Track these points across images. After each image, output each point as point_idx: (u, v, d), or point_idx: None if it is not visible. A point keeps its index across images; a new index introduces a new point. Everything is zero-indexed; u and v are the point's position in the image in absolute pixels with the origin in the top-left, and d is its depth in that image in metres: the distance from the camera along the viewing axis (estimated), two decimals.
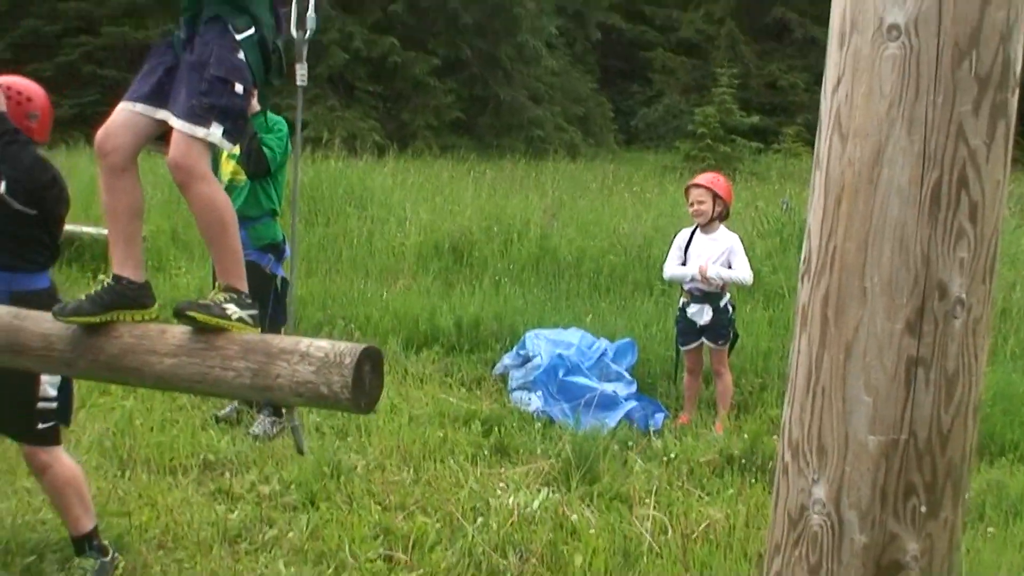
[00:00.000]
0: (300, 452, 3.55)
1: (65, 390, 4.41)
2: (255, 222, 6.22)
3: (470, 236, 10.91)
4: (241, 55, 3.18)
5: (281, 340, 2.94)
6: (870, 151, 1.95)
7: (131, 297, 3.24)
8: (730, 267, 6.82)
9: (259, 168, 6.18)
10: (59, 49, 22.72)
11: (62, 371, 3.33)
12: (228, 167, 6.30)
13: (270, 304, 6.18)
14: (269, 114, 6.29)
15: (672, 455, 5.89)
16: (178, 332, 3.04)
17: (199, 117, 3.07)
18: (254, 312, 3.21)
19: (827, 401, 2.05)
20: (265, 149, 6.14)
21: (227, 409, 6.50)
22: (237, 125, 3.19)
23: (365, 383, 2.80)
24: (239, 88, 3.15)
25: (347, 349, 2.81)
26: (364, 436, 6.06)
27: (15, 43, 22.69)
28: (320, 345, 2.84)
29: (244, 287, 3.24)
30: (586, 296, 9.53)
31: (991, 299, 2.09)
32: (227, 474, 5.45)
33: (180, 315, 3.02)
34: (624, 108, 34.59)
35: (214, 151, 6.17)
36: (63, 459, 4.39)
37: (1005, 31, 1.94)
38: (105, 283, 3.26)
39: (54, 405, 4.35)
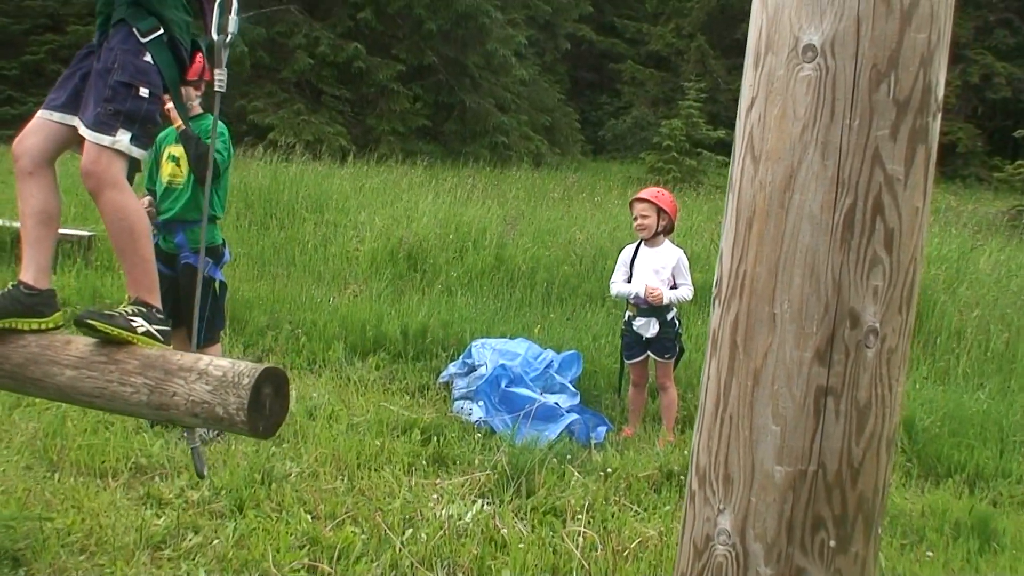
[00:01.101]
0: (200, 476, 3.44)
1: None
2: (194, 225, 6.11)
3: (425, 244, 10.84)
4: (148, 57, 3.14)
5: (182, 357, 2.85)
6: (782, 175, 1.90)
7: (27, 305, 3.18)
8: (674, 282, 6.81)
9: (214, 172, 6.06)
10: (25, 47, 22.50)
11: None
12: (167, 170, 6.20)
13: (207, 308, 6.08)
14: (208, 117, 6.20)
15: (611, 469, 5.82)
16: (82, 344, 2.96)
17: (105, 125, 3.05)
18: (164, 328, 3.13)
19: (734, 429, 2.00)
20: (218, 154, 6.04)
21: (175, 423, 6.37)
22: (146, 130, 3.15)
23: (265, 406, 2.70)
24: (144, 92, 3.12)
25: (246, 369, 2.72)
26: (300, 443, 5.96)
27: None
28: (220, 364, 2.76)
29: (156, 301, 3.18)
30: (538, 306, 9.48)
31: (909, 329, 2.03)
32: (157, 479, 5.34)
33: (80, 324, 2.96)
34: (592, 119, 34.70)
35: (154, 153, 6.11)
36: None
37: (926, 54, 1.90)
38: (7, 288, 3.21)
39: None
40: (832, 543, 1.98)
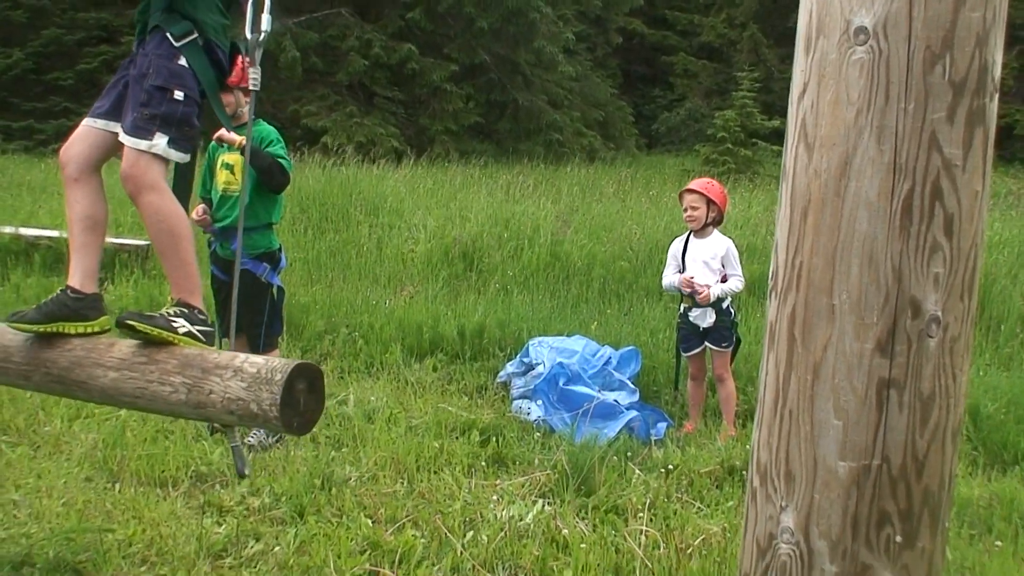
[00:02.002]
0: (241, 476, 3.45)
1: None
2: (251, 232, 6.14)
3: (480, 243, 10.82)
4: (182, 61, 3.17)
5: (219, 355, 2.89)
6: (837, 162, 1.85)
7: (72, 308, 3.24)
8: (725, 273, 6.79)
9: (282, 181, 6.11)
10: (80, 58, 22.78)
11: (20, 383, 3.29)
12: (222, 177, 6.25)
13: (266, 313, 6.12)
14: (263, 123, 6.25)
15: (672, 466, 5.77)
16: (125, 346, 2.99)
17: (142, 129, 3.09)
18: (206, 328, 3.15)
19: (795, 424, 1.95)
20: (282, 161, 6.08)
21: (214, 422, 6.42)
22: (183, 132, 3.18)
23: (299, 402, 2.71)
24: (179, 95, 3.15)
25: (279, 366, 2.74)
26: (359, 446, 5.96)
27: (37, 52, 22.78)
28: (255, 361, 2.79)
29: (198, 302, 3.21)
30: (594, 303, 9.42)
31: (971, 316, 1.97)
32: (218, 486, 5.37)
33: (121, 325, 3.01)
34: (646, 112, 34.50)
35: (208, 161, 6.16)
36: None
37: (982, 33, 1.83)
38: (56, 293, 3.28)
39: None
40: (898, 538, 1.93)
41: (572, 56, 29.01)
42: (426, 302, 9.19)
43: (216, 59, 3.31)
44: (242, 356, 2.82)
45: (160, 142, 3.11)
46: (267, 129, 6.24)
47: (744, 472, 5.66)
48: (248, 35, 3.00)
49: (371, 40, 23.30)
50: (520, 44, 25.25)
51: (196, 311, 3.18)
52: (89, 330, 3.25)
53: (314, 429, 6.01)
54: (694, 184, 6.94)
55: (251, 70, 3.06)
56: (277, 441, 6.04)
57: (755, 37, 32.09)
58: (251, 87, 3.09)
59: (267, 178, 6.02)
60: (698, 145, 24.88)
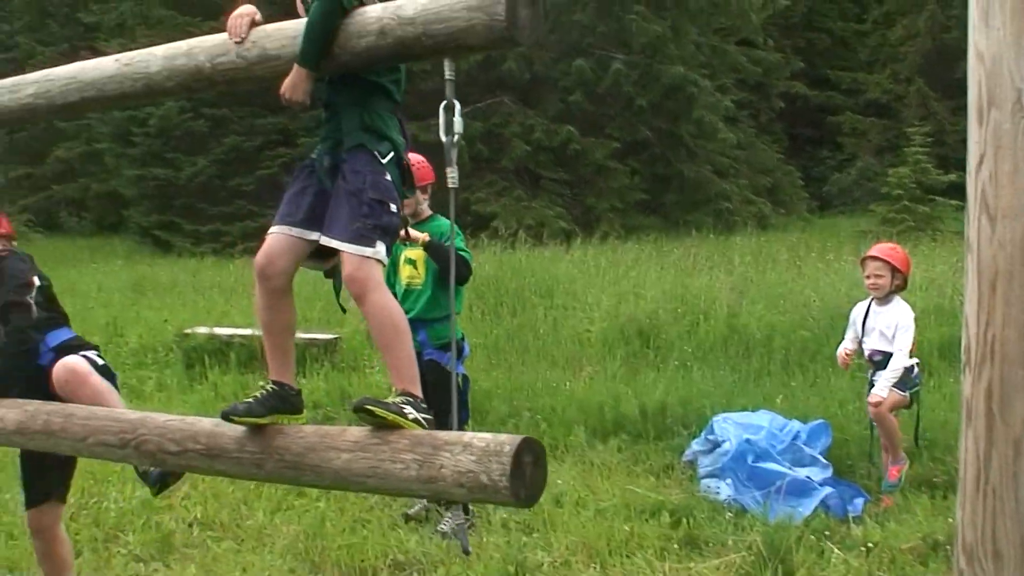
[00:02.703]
0: (465, 552, 3.55)
1: None
2: (435, 323, 6.31)
3: (655, 319, 10.80)
4: (388, 176, 3.39)
5: (447, 434, 3.03)
6: (1021, 232, 1.82)
7: (291, 403, 3.48)
8: (894, 339, 6.66)
9: (464, 273, 6.30)
10: (259, 163, 23.88)
11: (251, 473, 3.50)
12: (405, 272, 6.47)
13: (453, 402, 6.24)
14: (440, 218, 6.46)
15: (872, 543, 5.58)
16: (357, 431, 3.18)
17: (365, 238, 3.27)
18: (429, 416, 3.30)
19: (999, 502, 1.90)
20: (463, 253, 6.27)
21: (416, 507, 6.56)
22: (393, 239, 3.40)
23: (525, 474, 2.83)
24: (393, 207, 3.37)
25: (507, 439, 2.87)
26: (549, 531, 5.99)
27: (219, 159, 24.00)
28: (482, 436, 2.92)
29: (419, 391, 3.35)
30: (777, 375, 9.26)
31: None
32: (415, 574, 5.47)
33: (359, 410, 3.16)
34: (815, 175, 33.97)
35: (392, 257, 6.40)
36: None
37: None
38: (269, 388, 3.47)
39: None
40: None
41: (735, 124, 28.91)
42: (606, 381, 9.20)
43: (404, 171, 3.53)
44: (470, 434, 2.97)
45: (380, 249, 3.30)
46: (446, 223, 6.44)
47: (948, 547, 5.44)
48: (443, 138, 3.18)
49: (533, 125, 23.74)
50: (680, 117, 25.34)
51: (419, 400, 3.32)
52: (300, 421, 3.50)
53: (503, 515, 6.11)
54: (876, 251, 6.82)
55: (449, 170, 3.24)
56: (469, 527, 6.12)
57: (922, 91, 31.33)
58: (450, 185, 3.28)
59: (445, 262, 6.22)
60: (873, 205, 24.29)
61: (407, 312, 6.31)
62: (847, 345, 6.97)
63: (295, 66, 3.30)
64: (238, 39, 3.47)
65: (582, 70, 23.55)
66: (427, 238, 6.23)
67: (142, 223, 25.52)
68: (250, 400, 3.44)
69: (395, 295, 6.46)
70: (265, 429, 3.39)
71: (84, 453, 4.07)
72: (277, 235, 3.46)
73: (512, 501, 2.82)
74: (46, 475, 4.83)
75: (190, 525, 6.38)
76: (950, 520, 5.70)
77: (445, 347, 6.34)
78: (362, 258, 3.27)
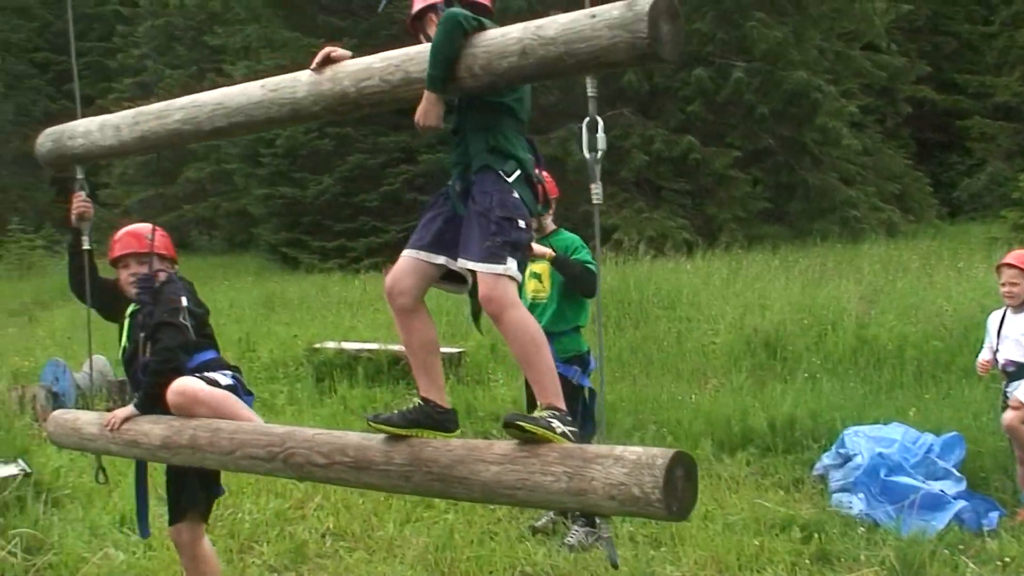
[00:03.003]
0: (614, 565, 3.58)
1: None
2: (560, 336, 6.35)
3: (782, 330, 10.66)
4: (515, 194, 3.48)
5: (597, 447, 3.08)
6: None
7: (436, 419, 3.57)
8: None
9: (591, 285, 6.30)
10: (383, 179, 24.26)
11: (398, 485, 3.60)
12: (531, 286, 6.52)
13: (579, 415, 6.27)
14: (565, 232, 6.49)
15: (1008, 558, 5.44)
16: (505, 444, 3.25)
17: (496, 256, 3.37)
18: (574, 429, 3.36)
19: None
20: (590, 266, 6.30)
21: (543, 520, 6.59)
22: (524, 255, 3.50)
23: (677, 487, 2.87)
24: (522, 224, 3.46)
25: (659, 452, 2.90)
26: (678, 545, 5.96)
27: (344, 177, 24.43)
28: (633, 449, 2.96)
29: (563, 404, 3.42)
30: (909, 387, 9.05)
31: None
32: None
33: (509, 426, 3.26)
34: (944, 180, 33.11)
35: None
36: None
37: None
38: (416, 403, 3.61)
39: None
40: None
41: (861, 130, 28.33)
42: (732, 394, 9.13)
43: (534, 189, 3.60)
44: (620, 447, 3.00)
45: (512, 265, 3.39)
46: (571, 237, 6.49)
47: None
48: (586, 155, 3.22)
49: (653, 136, 23.63)
50: (804, 124, 24.92)
51: (564, 413, 3.38)
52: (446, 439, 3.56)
53: (630, 528, 6.11)
54: (1012, 258, 6.65)
55: (593, 187, 3.28)
56: (595, 541, 6.14)
57: None
58: (595, 201, 3.31)
59: (578, 284, 6.26)
60: (1004, 211, 23.54)
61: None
62: (985, 355, 6.82)
63: (425, 92, 3.41)
64: (313, 68, 3.79)
65: (702, 79, 23.36)
66: (552, 253, 6.28)
67: (271, 240, 26.19)
68: (395, 412, 3.59)
69: None
70: (411, 442, 3.50)
71: (231, 467, 4.22)
72: (405, 258, 3.61)
73: (664, 514, 2.86)
74: (185, 491, 4.97)
75: (322, 535, 6.55)
76: None
77: (571, 360, 6.39)
78: (496, 276, 3.36)
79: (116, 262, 5.08)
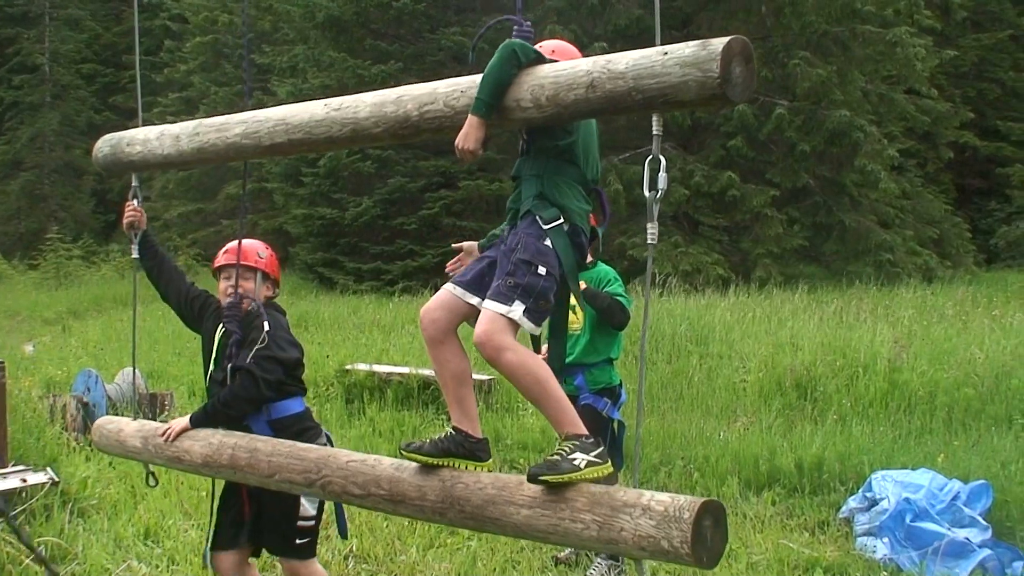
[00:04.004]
0: None
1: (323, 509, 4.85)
2: (592, 368, 6.39)
3: (813, 371, 10.64)
4: (547, 242, 3.47)
5: (625, 493, 3.07)
6: None
7: (468, 449, 3.59)
8: None
9: (622, 318, 6.35)
10: (422, 204, 24.42)
11: (435, 520, 3.64)
12: None
13: (606, 447, 6.29)
14: (600, 265, 6.52)
15: None
16: (534, 486, 3.25)
17: (503, 295, 3.39)
18: (600, 450, 3.37)
19: None
20: (621, 299, 6.34)
21: (567, 551, 6.61)
22: (539, 305, 3.44)
23: (706, 538, 2.86)
24: (542, 270, 3.43)
25: (686, 503, 2.89)
26: None
27: (384, 199, 24.63)
28: (660, 499, 2.95)
29: (582, 429, 3.43)
30: (939, 433, 9.01)
31: None
32: None
33: (534, 480, 3.26)
34: (983, 227, 32.95)
35: None
36: (318, 570, 4.85)
37: None
38: (448, 432, 3.64)
39: (312, 523, 4.79)
40: None
41: (901, 173, 28.23)
42: (761, 433, 9.11)
43: (578, 243, 3.61)
44: (648, 494, 3.00)
45: (517, 309, 3.38)
46: (605, 270, 6.52)
47: None
48: (646, 193, 3.23)
49: (693, 170, 23.66)
50: (844, 165, 24.87)
51: (584, 438, 3.39)
52: (483, 469, 3.60)
53: (653, 563, 6.12)
54: None
55: (649, 226, 3.30)
56: (619, 574, 6.16)
57: None
58: (650, 241, 3.33)
59: (608, 317, 6.29)
60: None
61: (567, 356, 6.45)
62: None
63: (469, 115, 3.41)
64: None
65: (744, 115, 23.38)
66: (584, 285, 6.32)
67: (307, 260, 26.39)
68: (427, 440, 3.62)
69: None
70: (443, 476, 3.52)
71: (272, 487, 4.26)
72: (444, 290, 3.67)
73: (695, 565, 2.86)
74: (241, 525, 4.87)
75: (345, 557, 6.59)
76: None
77: (602, 392, 6.42)
78: (493, 316, 3.38)
79: (218, 272, 4.98)
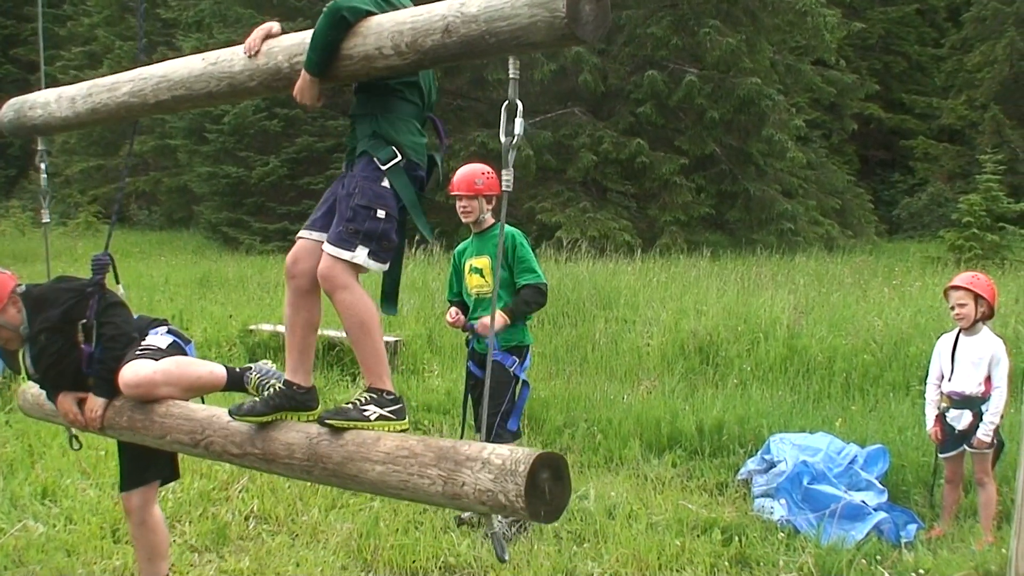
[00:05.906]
0: (500, 560, 3.56)
1: None
2: (506, 328, 6.38)
3: (716, 336, 10.77)
4: (386, 183, 3.51)
5: (468, 447, 3.04)
6: None
7: (298, 400, 3.68)
8: (989, 376, 6.50)
9: (544, 300, 6.57)
10: (330, 163, 24.10)
11: (303, 477, 3.64)
12: (473, 281, 6.58)
13: (505, 403, 6.30)
14: (508, 228, 6.49)
15: (923, 570, 5.54)
16: (390, 440, 3.24)
17: (345, 242, 3.45)
18: (398, 407, 3.47)
19: None
20: (532, 278, 6.43)
21: (468, 512, 6.60)
22: (382, 246, 3.52)
23: (544, 491, 2.82)
24: (381, 213, 3.49)
25: (523, 456, 2.85)
26: (601, 543, 6.01)
27: (291, 159, 24.28)
28: (500, 452, 2.92)
29: (386, 385, 3.52)
30: (837, 398, 9.20)
31: None
32: None
33: (321, 423, 3.43)
34: (886, 198, 33.72)
35: (454, 266, 6.52)
36: None
37: None
38: (276, 388, 3.75)
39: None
40: None
41: (806, 143, 28.67)
42: (663, 397, 9.21)
43: (417, 176, 3.65)
44: (490, 447, 2.96)
45: (361, 254, 3.45)
46: (509, 231, 6.48)
47: None
48: (502, 139, 3.16)
49: (602, 136, 23.72)
50: (751, 134, 25.18)
51: (384, 393, 3.49)
52: (310, 417, 3.67)
53: (556, 523, 6.14)
54: (959, 280, 6.72)
55: (504, 173, 3.23)
56: (519, 531, 6.17)
57: (997, 118, 30.94)
58: (504, 188, 3.26)
59: (532, 310, 6.46)
60: (942, 230, 23.98)
61: (480, 318, 6.44)
62: (931, 393, 6.74)
63: (302, 71, 3.48)
64: (251, 53, 3.71)
65: (654, 81, 23.49)
66: (506, 320, 6.27)
67: (211, 219, 25.90)
68: (256, 400, 3.69)
69: (461, 304, 6.60)
70: (308, 434, 3.52)
71: (165, 448, 4.29)
72: (301, 239, 3.69)
73: (532, 519, 2.83)
74: (147, 458, 4.84)
75: (246, 518, 6.50)
76: (1004, 551, 5.65)
77: (512, 350, 6.44)
78: (334, 259, 3.44)
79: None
